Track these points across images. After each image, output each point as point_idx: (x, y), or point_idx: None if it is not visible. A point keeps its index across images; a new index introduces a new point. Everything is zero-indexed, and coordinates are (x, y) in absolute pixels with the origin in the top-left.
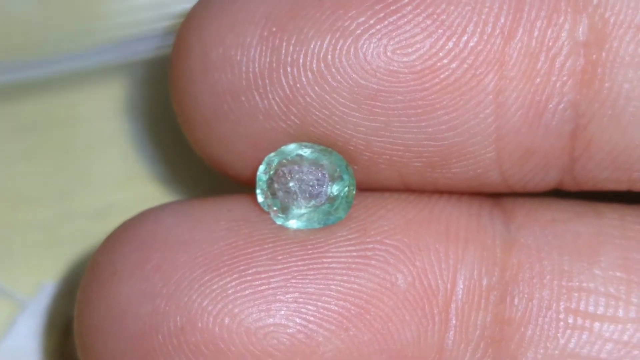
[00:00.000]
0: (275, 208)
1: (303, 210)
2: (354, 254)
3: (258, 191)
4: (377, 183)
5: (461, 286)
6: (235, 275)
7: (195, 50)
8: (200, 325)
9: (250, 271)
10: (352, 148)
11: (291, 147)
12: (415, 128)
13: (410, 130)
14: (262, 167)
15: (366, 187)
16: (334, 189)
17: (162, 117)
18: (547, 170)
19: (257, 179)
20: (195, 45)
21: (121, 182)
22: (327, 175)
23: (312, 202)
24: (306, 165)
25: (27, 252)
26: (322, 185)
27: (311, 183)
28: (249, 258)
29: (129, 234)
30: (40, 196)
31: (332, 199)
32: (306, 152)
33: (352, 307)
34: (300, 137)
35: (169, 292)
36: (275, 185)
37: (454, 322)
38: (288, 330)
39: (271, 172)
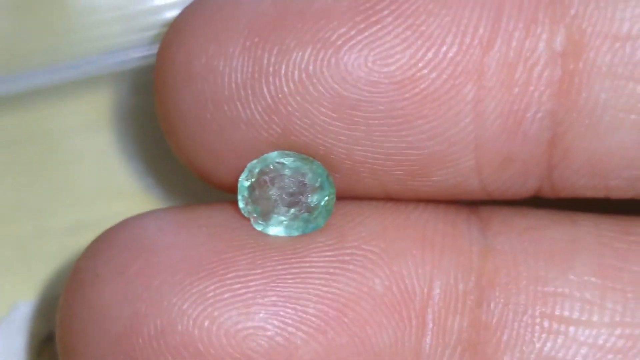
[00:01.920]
0: (255, 215)
1: (283, 218)
2: (332, 259)
3: (239, 198)
4: (358, 191)
5: (438, 291)
6: (215, 279)
7: (179, 59)
8: (180, 328)
9: (229, 275)
10: (333, 157)
11: (273, 155)
12: (396, 137)
13: (391, 139)
14: (243, 175)
15: (348, 195)
16: (314, 198)
17: (135, 132)
18: (526, 178)
19: (239, 185)
20: (179, 54)
21: (96, 198)
22: (307, 184)
23: (292, 210)
24: (287, 174)
25: (1, 270)
26: (302, 194)
27: (292, 191)
28: (228, 262)
29: (111, 240)
30: (13, 213)
31: (312, 208)
32: (288, 160)
33: (330, 311)
34: (282, 146)
35: (149, 295)
36: (257, 193)
37: (430, 326)
38: (267, 333)
39: (253, 180)
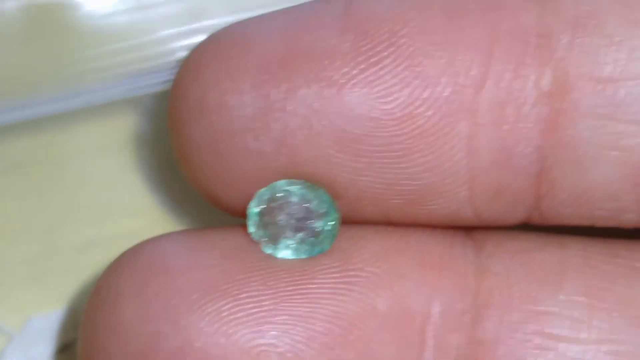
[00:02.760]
0: (265, 239)
1: (291, 242)
2: (338, 280)
3: (249, 223)
4: (361, 217)
5: (436, 310)
6: (229, 299)
7: (193, 94)
8: (197, 345)
9: (242, 295)
10: (337, 185)
11: (281, 183)
12: (395, 169)
13: (391, 170)
14: (253, 202)
15: (351, 220)
16: (320, 224)
17: (144, 155)
18: (516, 207)
19: (249, 212)
20: (193, 89)
21: (105, 216)
22: (314, 211)
23: (300, 235)
24: (295, 201)
25: (14, 287)
26: (309, 220)
27: (299, 217)
28: (241, 283)
29: (130, 261)
30: (25, 232)
31: (318, 233)
32: (295, 188)
33: (337, 329)
34: (289, 175)
35: (168, 314)
36: (266, 219)
37: (430, 343)
38: (278, 350)
39: (262, 206)
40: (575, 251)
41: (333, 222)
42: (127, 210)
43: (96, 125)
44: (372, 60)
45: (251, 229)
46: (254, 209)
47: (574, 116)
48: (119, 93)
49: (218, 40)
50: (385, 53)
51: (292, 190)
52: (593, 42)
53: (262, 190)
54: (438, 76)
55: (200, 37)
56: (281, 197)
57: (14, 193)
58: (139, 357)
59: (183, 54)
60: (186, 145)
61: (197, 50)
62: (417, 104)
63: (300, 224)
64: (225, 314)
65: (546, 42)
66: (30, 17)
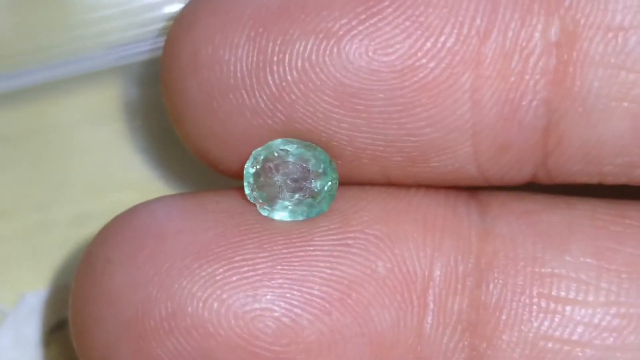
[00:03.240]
0: (261, 200)
1: (287, 203)
2: (336, 242)
3: (245, 184)
4: (360, 177)
5: (438, 273)
6: (222, 263)
7: (186, 49)
8: (190, 310)
9: (237, 258)
10: (335, 144)
11: (277, 143)
12: (396, 124)
13: (391, 126)
14: (249, 162)
15: (350, 181)
16: (318, 184)
17: (139, 124)
18: (522, 164)
19: (245, 172)
20: (186, 45)
21: (98, 190)
22: (311, 170)
23: (297, 196)
24: (291, 160)
25: (7, 264)
26: (306, 180)
27: (296, 177)
28: (236, 246)
29: (121, 226)
30: (17, 207)
31: (315, 193)
32: (291, 147)
33: (335, 292)
34: (286, 133)
35: (160, 279)
36: (262, 179)
37: (431, 306)
38: (274, 314)
39: (258, 167)
40: (583, 212)
41: (331, 182)
42: (120, 183)
43: (87, 94)
44: (372, 10)
45: (247, 190)
46: (249, 169)
47: (582, 66)
48: (109, 61)
49: None
50: (386, 2)
51: (288, 150)
52: None
53: (258, 149)
54: (441, 26)
55: None
56: (277, 156)
57: (4, 166)
58: (131, 324)
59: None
60: (180, 103)
61: (190, 5)
62: (419, 55)
63: (297, 185)
64: (219, 277)
65: None
66: None
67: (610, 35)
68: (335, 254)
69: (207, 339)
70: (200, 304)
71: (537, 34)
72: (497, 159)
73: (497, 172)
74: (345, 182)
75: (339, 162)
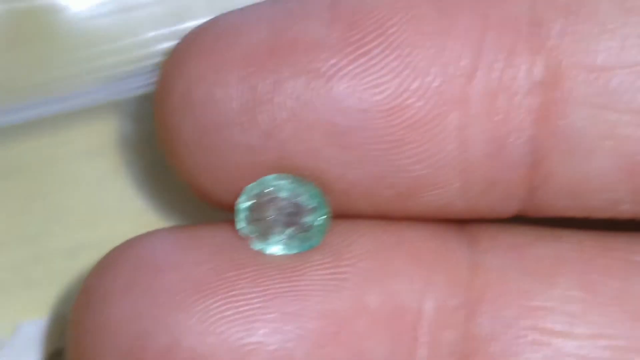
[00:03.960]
0: (254, 235)
1: (280, 238)
2: (329, 276)
3: (238, 219)
4: (351, 210)
5: (429, 306)
6: (218, 297)
7: (179, 87)
8: (185, 344)
9: (232, 293)
10: (327, 179)
11: (270, 178)
12: (386, 161)
13: (381, 163)
14: (242, 197)
15: (341, 214)
16: (310, 219)
17: (132, 157)
18: (509, 199)
19: (237, 207)
20: (179, 83)
21: (92, 222)
22: (303, 206)
23: (289, 231)
24: (284, 196)
25: (3, 294)
26: (299, 215)
27: (289, 212)
28: (231, 281)
29: (117, 259)
30: (12, 238)
31: (308, 228)
32: (284, 183)
33: (328, 326)
34: (279, 169)
35: (156, 312)
36: (255, 214)
37: (423, 339)
38: (268, 348)
39: (251, 202)
40: (571, 245)
41: (323, 217)
42: (116, 214)
43: (82, 128)
44: (360, 50)
45: (240, 224)
46: (242, 204)
47: (567, 106)
48: (105, 96)
49: (203, 33)
50: (374, 43)
51: (281, 185)
52: (585, 30)
53: (251, 185)
54: (428, 66)
55: None
56: (270, 192)
57: (0, 198)
58: (127, 356)
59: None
60: (173, 140)
61: (182, 43)
62: (407, 94)
63: (290, 219)
64: (214, 312)
65: (537, 30)
66: (14, 21)
67: (593, 75)
68: (328, 288)
69: None
70: (196, 338)
71: (521, 74)
72: (485, 194)
73: (484, 207)
74: (337, 216)
75: (330, 196)
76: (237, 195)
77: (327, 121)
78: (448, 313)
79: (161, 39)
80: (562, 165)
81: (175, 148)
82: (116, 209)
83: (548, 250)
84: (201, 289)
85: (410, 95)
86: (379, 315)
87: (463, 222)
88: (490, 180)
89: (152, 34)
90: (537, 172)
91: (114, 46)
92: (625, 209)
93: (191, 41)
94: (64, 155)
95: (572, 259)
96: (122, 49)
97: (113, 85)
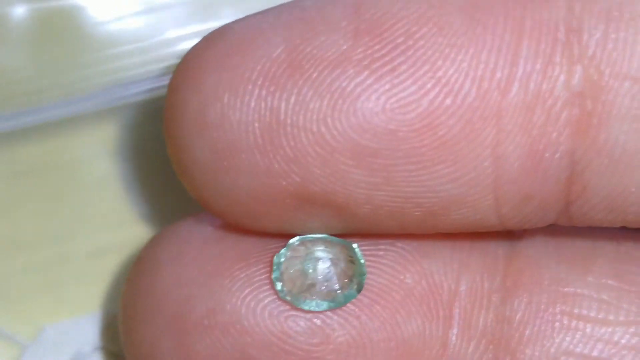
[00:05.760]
0: (289, 298)
1: (314, 301)
2: (368, 253)
3: (275, 283)
4: (376, 230)
5: (464, 287)
6: (260, 266)
7: (192, 106)
8: (228, 307)
9: (272, 247)
10: (352, 203)
11: (300, 248)
12: (416, 182)
13: (411, 184)
14: (274, 273)
15: (366, 235)
16: (346, 289)
17: (154, 158)
18: (544, 213)
19: (276, 261)
20: (192, 101)
21: (117, 222)
22: (338, 273)
23: (324, 294)
24: (319, 267)
25: (27, 297)
26: (334, 285)
27: (324, 284)
28: (273, 252)
29: (169, 233)
30: (37, 240)
31: (341, 296)
32: (319, 253)
33: (364, 298)
34: (300, 194)
35: (202, 279)
36: (287, 286)
37: (457, 319)
38: (306, 315)
39: (282, 274)
40: (606, 237)
41: (357, 283)
42: (139, 216)
43: (105, 129)
44: (387, 67)
45: (277, 287)
46: (274, 278)
47: (607, 118)
48: (128, 96)
49: (215, 44)
50: (402, 58)
51: (316, 255)
52: (628, 37)
53: (280, 257)
54: (460, 81)
55: None
56: (305, 261)
57: (24, 200)
58: (173, 318)
59: None
60: (186, 161)
61: (193, 54)
62: (439, 113)
63: (324, 290)
64: (256, 279)
65: (576, 37)
66: (39, 21)
67: (637, 87)
68: (367, 263)
69: (243, 335)
70: (239, 302)
71: (559, 85)
72: (519, 209)
73: (518, 221)
74: (361, 236)
75: (355, 218)
76: (255, 218)
77: (354, 143)
78: (482, 295)
79: (185, 37)
80: (601, 178)
81: (189, 169)
82: (141, 209)
83: (584, 241)
84: (245, 258)
85: (442, 113)
86: (414, 292)
87: None
88: (525, 195)
89: (176, 34)
90: (575, 185)
91: (137, 46)
92: None
93: (203, 52)
94: (87, 155)
95: (607, 250)
96: (145, 49)
97: (137, 84)
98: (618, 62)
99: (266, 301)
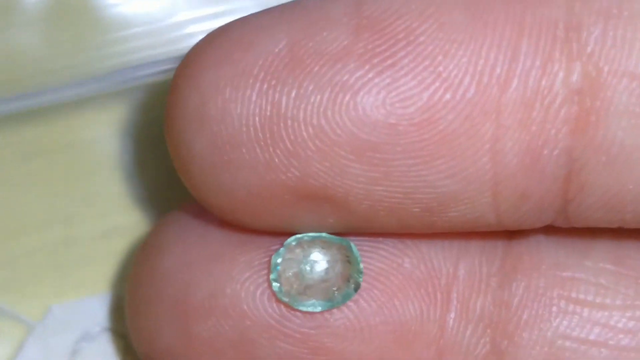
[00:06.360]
0: (287, 299)
1: (311, 301)
2: (365, 238)
3: (273, 284)
4: (375, 227)
5: (462, 272)
6: (260, 251)
7: (193, 101)
8: (228, 291)
9: (273, 247)
10: (351, 198)
11: (297, 249)
12: (415, 177)
13: (410, 179)
14: (272, 275)
15: (364, 232)
16: (344, 289)
17: (164, 139)
18: (542, 212)
19: (273, 262)
20: (193, 96)
21: (124, 204)
22: (336, 276)
23: (321, 295)
24: (315, 270)
25: (34, 277)
26: (331, 285)
27: (322, 286)
28: (273, 237)
29: (173, 220)
30: (44, 221)
31: (339, 296)
32: (316, 255)
33: (362, 283)
34: (299, 190)
35: (203, 263)
36: (285, 287)
37: (455, 303)
38: None
39: (279, 276)
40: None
41: (355, 287)
42: (147, 198)
43: (114, 110)
44: (388, 61)
45: (275, 288)
46: (278, 258)
47: (606, 116)
48: (138, 77)
49: (217, 40)
50: (402, 53)
51: (312, 258)
52: (627, 35)
53: (277, 258)
54: (460, 76)
55: (222, 21)
56: (300, 268)
57: (33, 181)
58: (175, 301)
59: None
60: (186, 155)
61: (195, 52)
62: (438, 107)
63: (322, 291)
64: (255, 264)
65: (576, 35)
66: (50, 3)
67: (635, 83)
68: (365, 248)
69: (243, 318)
70: (238, 286)
71: (558, 82)
72: (517, 207)
73: (516, 220)
74: (359, 233)
75: (354, 214)
76: (255, 214)
77: (353, 137)
78: (481, 279)
79: (196, 19)
80: (599, 177)
81: (188, 164)
82: (149, 192)
83: (583, 227)
84: (244, 243)
85: (442, 108)
86: (412, 276)
87: None
88: (523, 193)
89: (182, 17)
90: (573, 184)
91: (149, 28)
92: None
93: (205, 49)
94: (96, 136)
95: (605, 234)
96: (157, 31)
97: (151, 66)
98: (616, 59)
99: (265, 285)
